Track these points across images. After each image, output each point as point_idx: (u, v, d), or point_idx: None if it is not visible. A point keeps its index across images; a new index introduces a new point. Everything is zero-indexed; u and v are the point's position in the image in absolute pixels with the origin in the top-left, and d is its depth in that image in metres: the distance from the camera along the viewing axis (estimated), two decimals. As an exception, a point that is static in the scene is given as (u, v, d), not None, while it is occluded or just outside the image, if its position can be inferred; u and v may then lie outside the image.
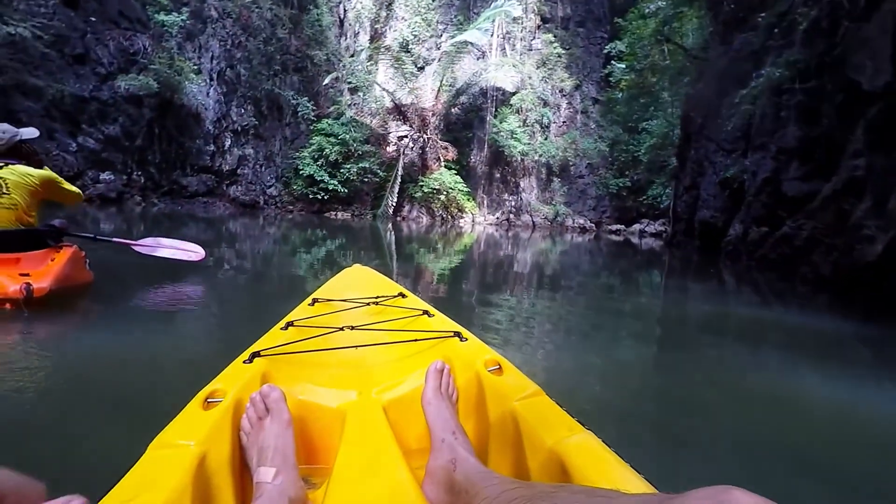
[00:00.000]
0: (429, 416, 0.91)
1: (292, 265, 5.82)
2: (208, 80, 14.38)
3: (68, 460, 1.18)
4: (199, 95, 13.59)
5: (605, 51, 20.21)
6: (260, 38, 15.69)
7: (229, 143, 15.55)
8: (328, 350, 1.21)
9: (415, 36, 22.35)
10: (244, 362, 1.03)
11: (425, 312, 1.48)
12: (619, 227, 21.58)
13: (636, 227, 21.11)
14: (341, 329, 1.31)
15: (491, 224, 20.60)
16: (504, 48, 21.69)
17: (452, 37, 19.33)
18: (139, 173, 12.81)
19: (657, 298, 5.32)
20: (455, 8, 22.61)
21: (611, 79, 19.83)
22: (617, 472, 0.63)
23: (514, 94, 20.77)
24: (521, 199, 21.62)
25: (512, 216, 21.39)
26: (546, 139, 21.49)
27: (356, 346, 1.25)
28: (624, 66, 15.04)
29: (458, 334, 1.22)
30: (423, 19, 22.43)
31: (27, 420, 1.41)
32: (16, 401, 1.51)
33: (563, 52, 21.31)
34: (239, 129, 15.78)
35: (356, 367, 1.21)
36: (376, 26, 23.08)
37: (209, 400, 0.85)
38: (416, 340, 1.27)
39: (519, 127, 20.48)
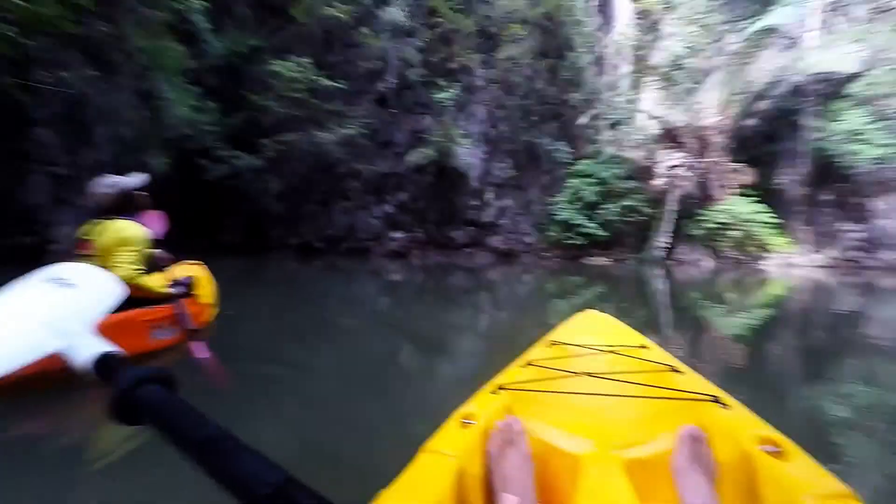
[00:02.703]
0: (681, 486, 0.85)
1: (542, 315, 5.38)
2: (475, 142, 16.47)
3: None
4: (466, 157, 15.65)
5: None
6: (519, 94, 17.02)
7: (491, 196, 17.15)
8: (566, 394, 1.25)
9: (689, 48, 19.70)
10: (491, 393, 1.17)
11: (673, 368, 1.40)
12: None
13: None
14: (579, 374, 1.35)
15: (819, 266, 14.89)
16: (831, 23, 16.25)
17: (746, 28, 15.97)
18: (420, 230, 15.59)
19: None
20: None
21: None
22: None
23: (851, 80, 15.04)
24: (875, 227, 14.92)
25: (859, 253, 14.90)
26: (926, 133, 14.38)
27: (595, 394, 1.24)
28: None
29: (716, 399, 1.08)
30: (700, 26, 19.60)
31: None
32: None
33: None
34: (499, 182, 17.25)
35: (594, 417, 1.20)
36: (640, 53, 21.71)
37: (465, 421, 0.99)
38: (662, 398, 1.20)
39: (868, 123, 14.49)
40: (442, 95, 15.23)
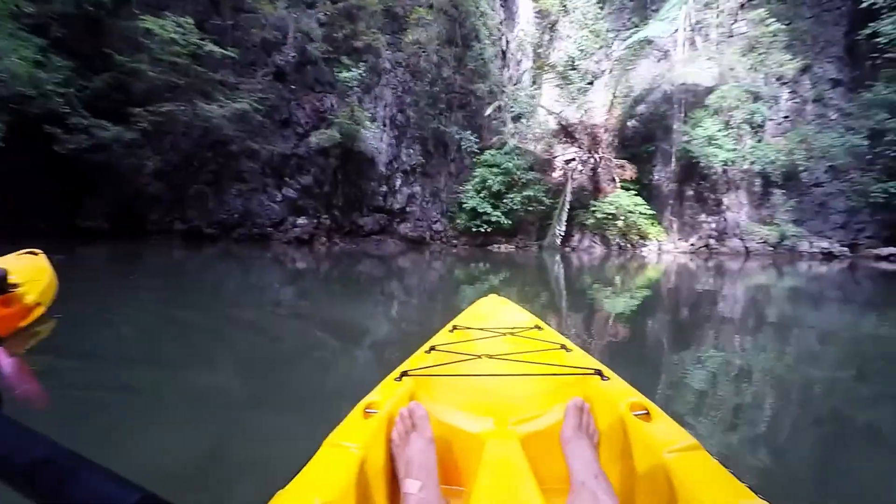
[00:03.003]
0: (568, 454, 0.93)
1: (452, 301, 5.48)
2: (382, 126, 16.12)
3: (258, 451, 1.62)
4: (373, 141, 15.27)
5: (867, 2, 15.11)
6: (426, 81, 17.00)
7: (399, 182, 17.00)
8: (467, 376, 1.32)
9: (581, 51, 21.42)
10: (395, 379, 1.18)
11: (563, 347, 1.51)
12: (892, 250, 15.66)
13: (926, 250, 14.96)
14: (479, 357, 1.41)
15: (684, 252, 17.39)
16: (694, 41, 18.79)
17: (628, 38, 17.70)
18: (326, 216, 14.91)
19: None
20: (628, 11, 20.90)
21: (879, 40, 14.85)
22: None
23: (708, 93, 17.60)
24: (724, 219, 17.81)
25: (713, 241, 17.70)
26: (760, 141, 17.42)
27: (494, 375, 1.31)
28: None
29: (598, 372, 1.21)
30: (590, 32, 21.38)
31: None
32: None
33: (783, 28, 17.23)
34: (408, 168, 17.15)
35: (493, 396, 1.26)
36: (539, 51, 23.02)
37: (367, 410, 1.01)
38: (553, 375, 1.30)
39: (720, 130, 17.11)
40: (346, 75, 14.59)
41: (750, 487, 0.72)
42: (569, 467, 0.90)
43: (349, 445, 0.86)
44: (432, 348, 1.50)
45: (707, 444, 0.87)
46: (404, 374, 1.21)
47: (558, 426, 1.02)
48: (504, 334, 1.70)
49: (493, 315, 2.03)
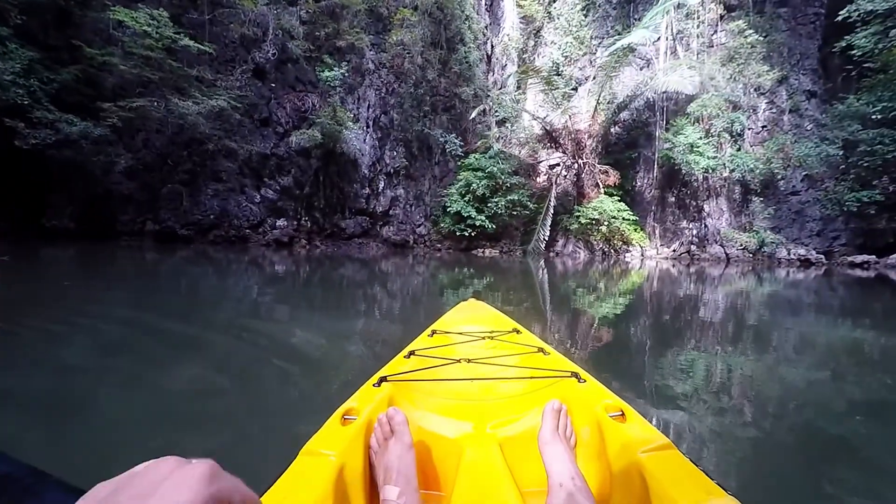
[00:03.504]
0: (546, 457, 0.95)
1: (435, 305, 5.43)
2: (365, 128, 16.02)
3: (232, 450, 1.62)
4: (356, 142, 15.15)
5: (842, 16, 15.78)
6: (410, 83, 17.00)
7: (383, 185, 16.90)
8: (446, 380, 1.33)
9: (566, 57, 21.76)
10: (374, 385, 1.18)
11: (541, 350, 1.52)
12: (865, 258, 16.26)
13: (897, 257, 15.56)
14: (458, 361, 1.43)
15: (666, 258, 17.71)
16: (675, 50, 19.27)
17: (611, 45, 18.04)
18: (306, 218, 14.71)
19: None
20: (612, 19, 21.33)
21: (853, 53, 15.48)
22: None
23: (690, 101, 18.07)
24: (705, 226, 18.23)
25: (694, 248, 18.09)
26: (739, 150, 17.92)
27: (473, 379, 1.33)
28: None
29: (576, 375, 1.23)
30: (574, 38, 21.75)
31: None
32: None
33: (760, 40, 17.83)
34: (391, 171, 17.07)
35: (472, 400, 1.27)
36: (524, 56, 23.31)
37: (346, 417, 1.00)
38: (531, 378, 1.32)
39: (700, 138, 17.54)
40: (329, 74, 14.46)
41: (720, 485, 0.75)
42: (546, 469, 0.92)
43: (327, 453, 0.85)
44: (411, 353, 1.49)
45: (683, 443, 0.86)
46: (383, 379, 1.21)
47: (536, 429, 1.04)
48: (483, 338, 1.72)
49: (473, 319, 2.05)
